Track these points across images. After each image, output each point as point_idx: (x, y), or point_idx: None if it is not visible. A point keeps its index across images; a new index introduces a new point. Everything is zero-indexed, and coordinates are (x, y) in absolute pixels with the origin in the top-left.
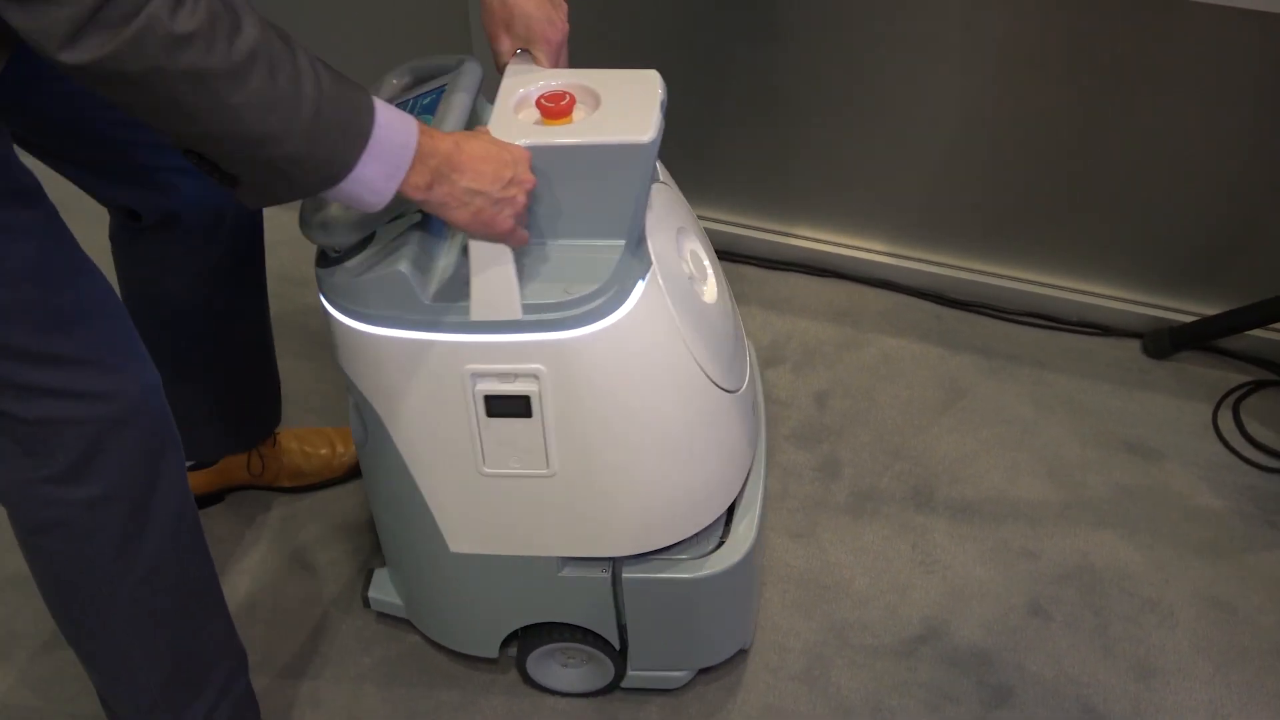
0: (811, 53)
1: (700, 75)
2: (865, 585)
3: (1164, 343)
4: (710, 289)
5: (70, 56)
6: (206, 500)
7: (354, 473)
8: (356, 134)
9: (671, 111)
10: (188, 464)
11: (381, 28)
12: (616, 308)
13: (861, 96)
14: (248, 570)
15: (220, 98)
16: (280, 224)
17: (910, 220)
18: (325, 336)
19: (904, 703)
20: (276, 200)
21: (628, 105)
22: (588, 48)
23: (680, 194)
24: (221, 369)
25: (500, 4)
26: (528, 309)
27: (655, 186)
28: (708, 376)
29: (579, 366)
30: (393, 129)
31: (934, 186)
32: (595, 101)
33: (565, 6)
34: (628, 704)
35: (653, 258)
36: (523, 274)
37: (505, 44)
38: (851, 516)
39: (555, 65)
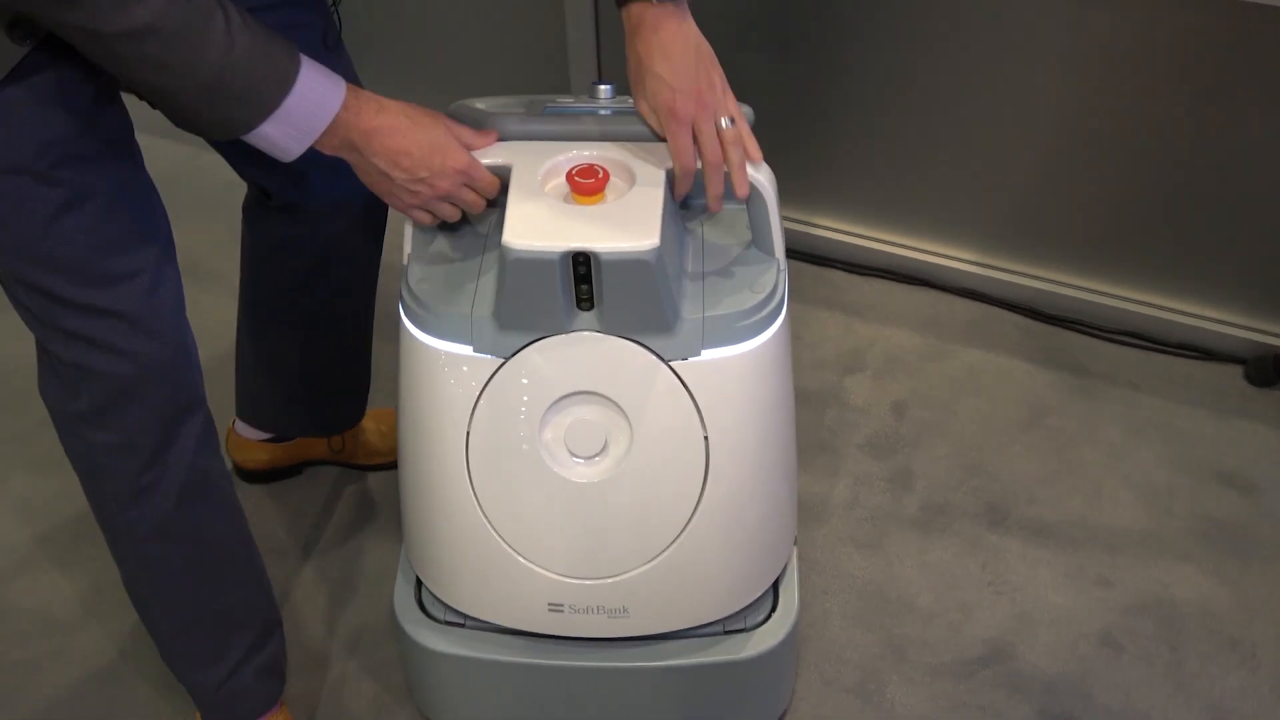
0: (909, 54)
1: (797, 74)
2: (930, 602)
3: (1268, 370)
4: (603, 467)
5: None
6: (284, 472)
7: None
8: (263, 103)
9: (767, 108)
10: (267, 436)
11: (481, 65)
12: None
13: (958, 98)
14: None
15: (114, 51)
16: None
17: (1003, 230)
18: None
19: None
20: (190, 129)
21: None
22: None
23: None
24: (313, 355)
25: (635, 59)
26: None
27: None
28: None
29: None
30: (309, 101)
31: (1029, 195)
32: (627, 175)
33: (729, 96)
34: None
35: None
36: None
37: (643, 107)
38: (921, 531)
39: (684, 166)
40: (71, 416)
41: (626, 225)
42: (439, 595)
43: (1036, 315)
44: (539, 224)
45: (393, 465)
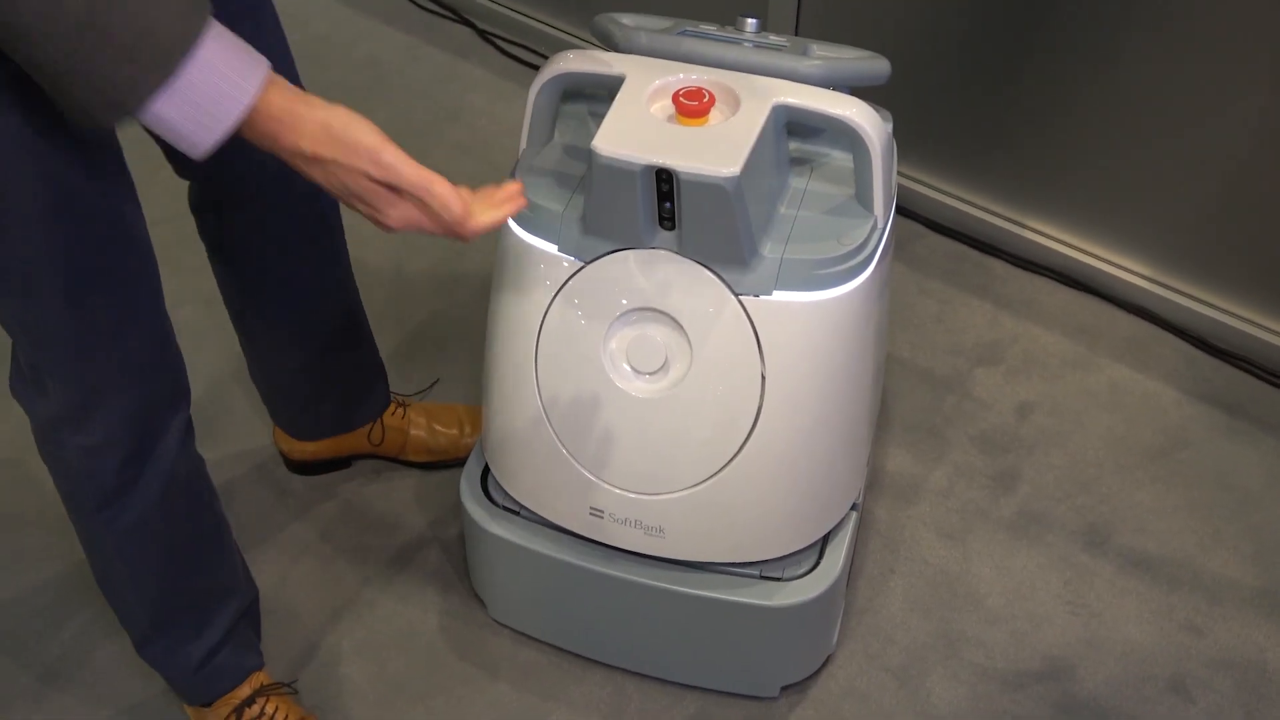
0: (1105, 48)
1: (991, 60)
2: (999, 605)
3: None
4: (658, 386)
5: None
6: (331, 464)
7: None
8: (149, 65)
9: (945, 91)
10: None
11: None
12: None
13: (1154, 100)
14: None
15: None
16: None
17: (1184, 247)
18: None
19: None
20: (75, 116)
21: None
22: (875, 7)
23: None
24: (305, 355)
25: None
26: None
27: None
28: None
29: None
30: (216, 73)
31: (1215, 213)
32: (735, 104)
33: None
34: None
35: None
36: None
37: None
38: (1011, 534)
39: None
40: (45, 417)
41: (714, 149)
42: (499, 479)
43: (1203, 345)
44: (630, 135)
45: (452, 464)
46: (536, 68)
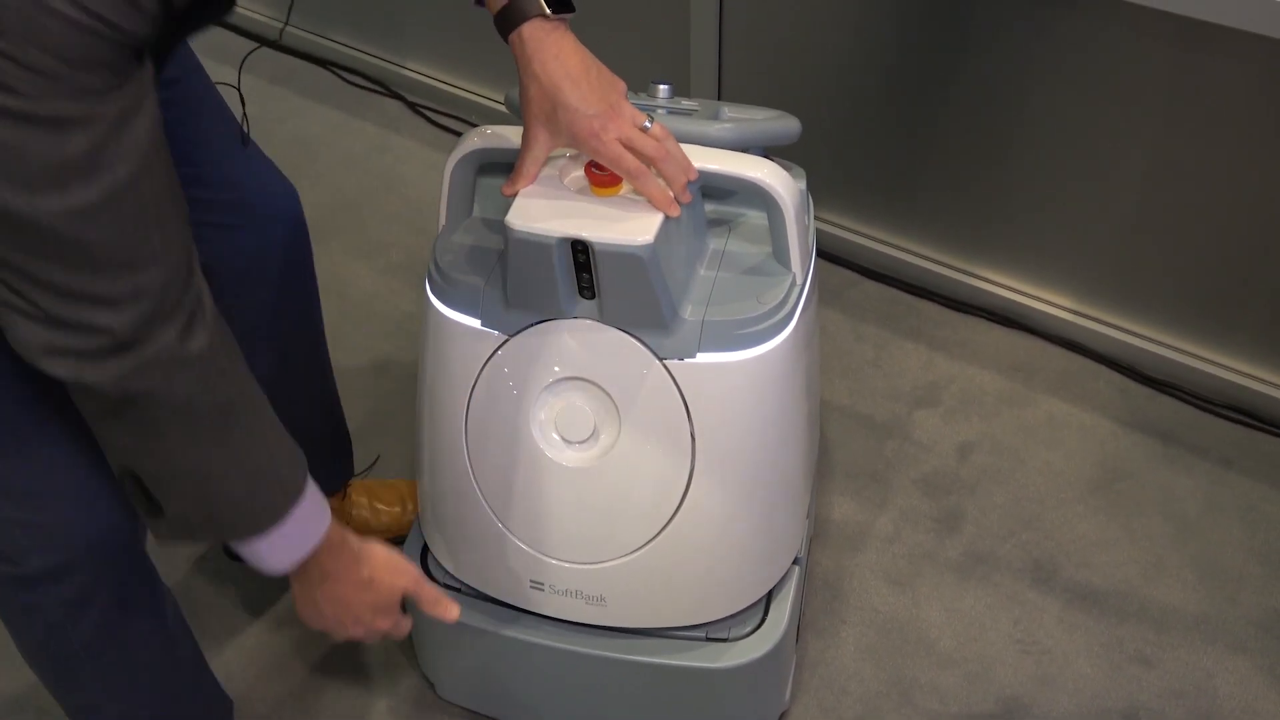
0: (1012, 92)
1: (904, 108)
2: (950, 648)
3: None
4: (589, 454)
5: (92, 376)
6: None
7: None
8: (292, 490)
9: (870, 141)
10: None
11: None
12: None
13: (1063, 141)
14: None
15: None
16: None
17: (1111, 281)
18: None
19: None
20: (201, 539)
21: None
22: (797, 65)
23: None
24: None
25: (537, 89)
26: None
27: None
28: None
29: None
30: (303, 522)
31: (1141, 246)
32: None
33: (638, 114)
34: None
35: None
36: None
37: (543, 143)
38: (958, 576)
39: (635, 170)
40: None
41: (627, 219)
42: (437, 557)
43: (1135, 375)
44: (544, 209)
45: (396, 541)
46: None
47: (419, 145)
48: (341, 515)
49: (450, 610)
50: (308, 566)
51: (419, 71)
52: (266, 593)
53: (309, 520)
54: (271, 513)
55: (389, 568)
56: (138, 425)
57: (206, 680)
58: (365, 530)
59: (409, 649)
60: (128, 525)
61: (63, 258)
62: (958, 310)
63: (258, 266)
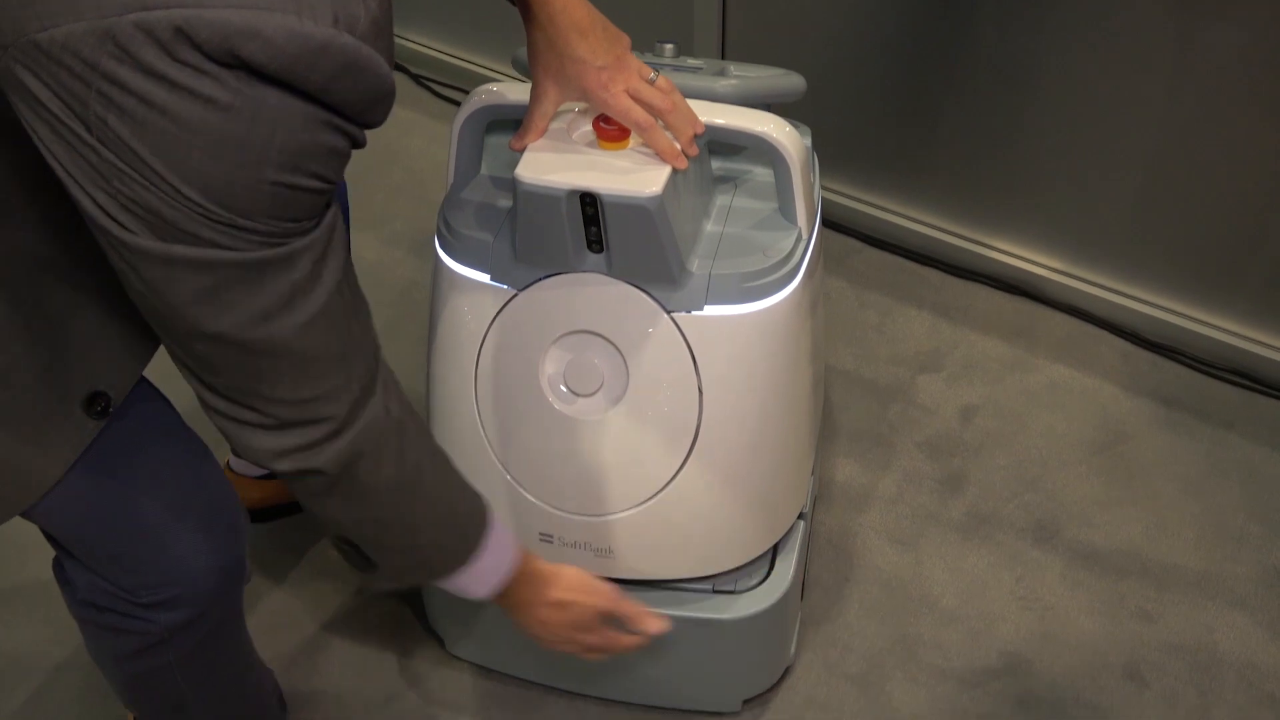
0: (1019, 60)
1: (909, 74)
2: (953, 605)
3: None
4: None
5: (317, 462)
6: (283, 510)
7: None
8: (483, 524)
9: (873, 108)
10: (263, 472)
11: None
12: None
13: (1067, 107)
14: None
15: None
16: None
17: (1114, 247)
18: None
19: None
20: (410, 583)
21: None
22: (800, 29)
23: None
24: None
25: (545, 43)
26: None
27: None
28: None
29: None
30: (492, 557)
31: (1137, 211)
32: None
33: (644, 68)
34: None
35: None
36: None
37: (552, 97)
38: (961, 535)
39: (644, 122)
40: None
41: (635, 172)
42: None
43: (1138, 340)
44: (553, 162)
45: None
46: None
47: (422, 117)
48: None
49: (654, 624)
50: (507, 594)
51: (422, 44)
52: (276, 554)
53: (500, 550)
54: (467, 549)
55: (582, 589)
56: (352, 497)
57: (268, 679)
58: None
59: (418, 606)
60: (239, 566)
61: (292, 369)
62: (961, 277)
63: None
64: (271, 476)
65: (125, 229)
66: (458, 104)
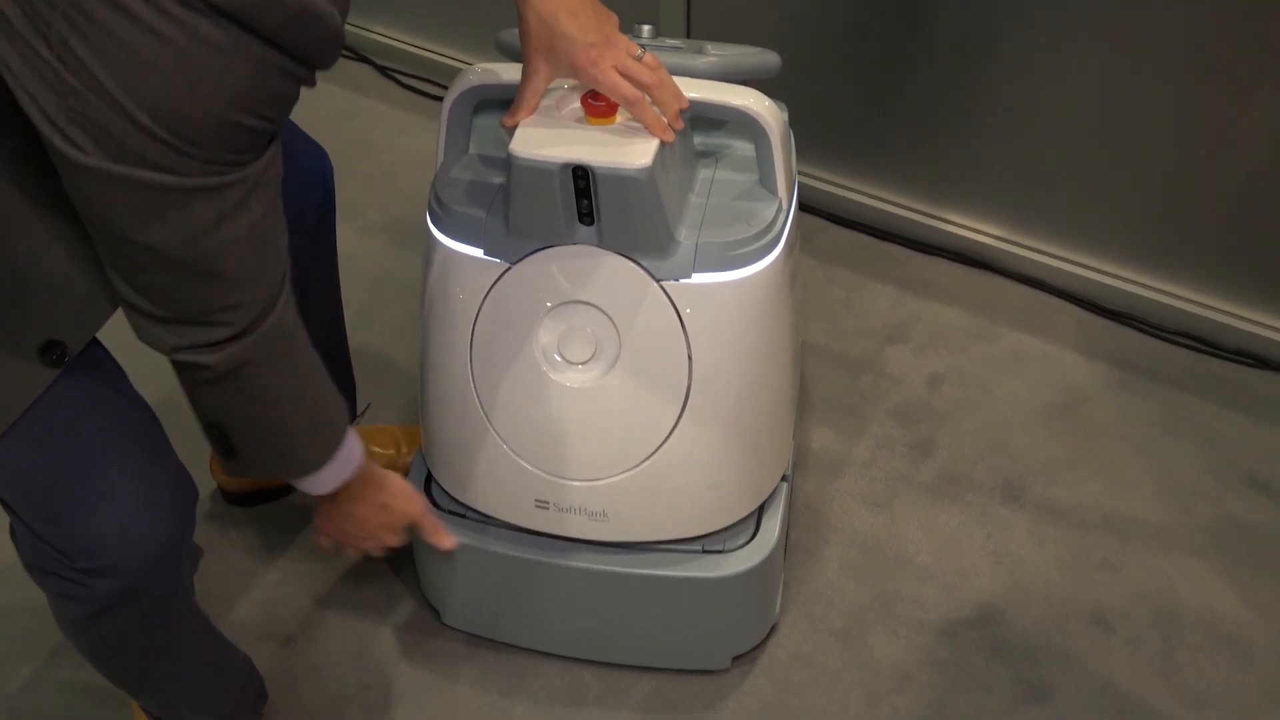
0: (973, 37)
1: (868, 54)
2: (928, 562)
3: None
4: (591, 375)
5: (209, 359)
6: (269, 494)
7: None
8: (341, 431)
9: (833, 90)
10: None
11: None
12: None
13: (1022, 83)
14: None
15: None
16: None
17: (1070, 219)
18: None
19: (934, 678)
20: (265, 477)
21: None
22: (763, 11)
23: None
24: None
25: (535, 19)
26: None
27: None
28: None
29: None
30: (348, 451)
31: (1092, 183)
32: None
33: (632, 45)
34: None
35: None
36: None
37: (543, 74)
38: (933, 496)
39: (632, 97)
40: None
41: (625, 145)
42: (442, 483)
43: (1093, 308)
44: (545, 138)
45: None
46: (438, 99)
47: (389, 108)
48: None
49: (446, 540)
50: (340, 490)
51: (386, 35)
52: (266, 533)
53: (351, 453)
54: (326, 451)
55: (403, 495)
56: (234, 391)
57: (240, 660)
58: None
59: (413, 578)
60: (179, 541)
61: (206, 282)
62: (923, 251)
63: (295, 208)
64: None
65: (73, 144)
66: (424, 94)
